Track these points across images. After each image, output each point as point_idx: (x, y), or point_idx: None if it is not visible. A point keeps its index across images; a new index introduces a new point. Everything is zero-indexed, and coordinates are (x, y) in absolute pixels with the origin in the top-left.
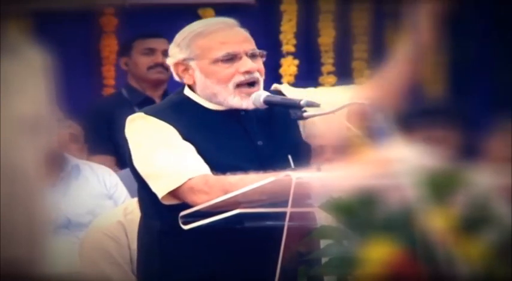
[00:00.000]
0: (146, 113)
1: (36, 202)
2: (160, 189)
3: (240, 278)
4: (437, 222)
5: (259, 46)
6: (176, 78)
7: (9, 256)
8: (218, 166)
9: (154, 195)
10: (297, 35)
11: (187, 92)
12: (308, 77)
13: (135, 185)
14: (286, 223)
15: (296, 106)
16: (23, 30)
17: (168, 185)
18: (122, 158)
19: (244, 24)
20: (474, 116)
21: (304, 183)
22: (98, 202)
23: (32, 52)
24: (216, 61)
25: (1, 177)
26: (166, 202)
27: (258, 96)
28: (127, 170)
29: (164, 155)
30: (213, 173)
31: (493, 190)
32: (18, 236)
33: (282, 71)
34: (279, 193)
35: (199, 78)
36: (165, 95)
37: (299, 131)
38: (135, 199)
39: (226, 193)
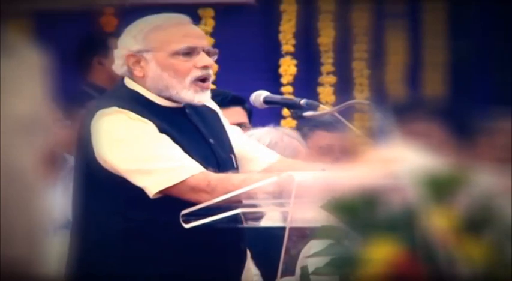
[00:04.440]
0: (119, 107)
1: (34, 202)
2: (154, 184)
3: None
4: (439, 222)
5: (258, 46)
6: (119, 69)
7: (8, 256)
8: None
9: (121, 191)
10: (297, 35)
11: (132, 86)
12: (307, 77)
13: None
14: (287, 223)
15: (296, 106)
16: (22, 30)
17: (165, 180)
18: None
19: (244, 24)
20: (474, 116)
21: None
22: None
23: (30, 52)
24: (175, 54)
25: (0, 177)
26: (154, 196)
27: (258, 96)
28: None
29: (153, 150)
30: None
31: (495, 190)
32: (16, 236)
33: (281, 71)
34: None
35: (153, 70)
36: None
37: (227, 133)
38: None
39: (229, 194)
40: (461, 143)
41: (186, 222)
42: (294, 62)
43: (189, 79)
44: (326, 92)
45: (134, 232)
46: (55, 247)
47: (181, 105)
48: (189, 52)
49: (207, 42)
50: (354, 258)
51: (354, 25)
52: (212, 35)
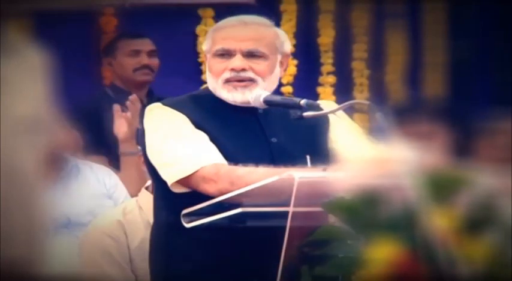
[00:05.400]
0: (163, 103)
1: (35, 202)
2: (171, 176)
3: (243, 276)
4: (439, 222)
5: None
6: None
7: (8, 256)
8: (228, 158)
9: (164, 185)
10: (297, 35)
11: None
12: (308, 77)
13: None
14: (288, 223)
15: (296, 106)
16: (23, 30)
17: (179, 172)
18: (114, 159)
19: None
20: (474, 116)
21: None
22: (98, 201)
23: (31, 52)
24: (214, 55)
25: (0, 177)
26: (176, 190)
27: (258, 96)
28: None
29: (176, 144)
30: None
31: (496, 190)
32: (17, 236)
33: None
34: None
35: (207, 70)
36: (149, 94)
37: (327, 136)
38: (135, 199)
39: (232, 184)
40: (462, 144)
41: (188, 222)
42: (294, 62)
43: (220, 80)
44: (326, 92)
45: (176, 225)
46: (55, 247)
47: (251, 105)
48: (224, 54)
49: (252, 45)
50: (354, 258)
51: (354, 25)
52: None
